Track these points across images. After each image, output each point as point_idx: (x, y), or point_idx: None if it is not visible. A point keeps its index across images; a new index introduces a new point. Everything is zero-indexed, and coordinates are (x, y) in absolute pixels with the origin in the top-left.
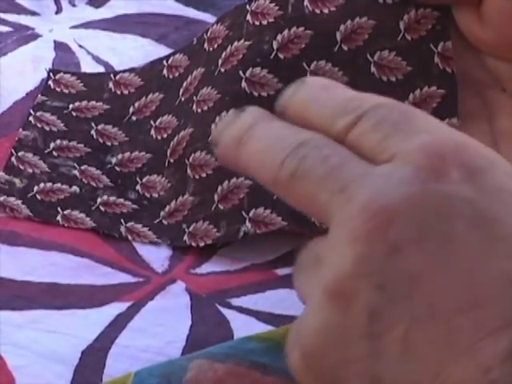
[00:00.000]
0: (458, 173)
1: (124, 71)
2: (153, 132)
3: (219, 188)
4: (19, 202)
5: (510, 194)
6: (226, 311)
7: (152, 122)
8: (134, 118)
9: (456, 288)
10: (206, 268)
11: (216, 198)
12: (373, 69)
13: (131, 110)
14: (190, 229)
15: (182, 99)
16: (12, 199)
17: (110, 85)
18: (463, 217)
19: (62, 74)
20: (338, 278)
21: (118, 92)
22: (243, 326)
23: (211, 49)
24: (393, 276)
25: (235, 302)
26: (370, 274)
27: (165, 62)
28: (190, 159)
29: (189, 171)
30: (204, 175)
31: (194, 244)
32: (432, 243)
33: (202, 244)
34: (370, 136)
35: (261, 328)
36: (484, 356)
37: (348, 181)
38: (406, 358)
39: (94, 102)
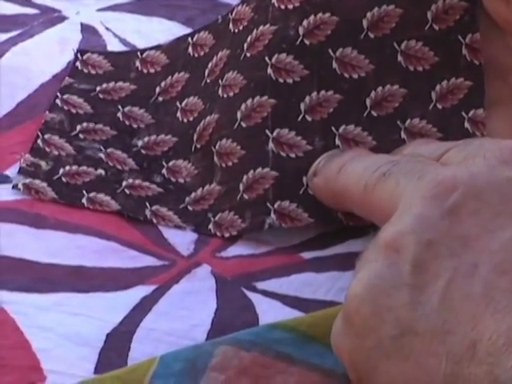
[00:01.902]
0: None
1: (150, 48)
2: (179, 114)
3: (244, 177)
4: (44, 184)
5: None
6: (251, 295)
7: (178, 104)
8: (160, 98)
9: (500, 251)
10: (231, 251)
11: (241, 187)
12: (400, 58)
13: (157, 90)
14: (216, 218)
15: (208, 81)
16: (37, 181)
17: (137, 63)
18: None
19: (89, 54)
20: (393, 232)
21: (145, 71)
22: (268, 310)
23: (236, 30)
24: (443, 235)
25: (260, 285)
26: (422, 230)
27: (190, 39)
28: (217, 146)
29: (216, 159)
30: (230, 164)
31: (219, 234)
32: (486, 213)
33: (226, 234)
34: (454, 155)
35: (286, 312)
36: None
37: (427, 171)
38: (443, 309)
39: (121, 83)
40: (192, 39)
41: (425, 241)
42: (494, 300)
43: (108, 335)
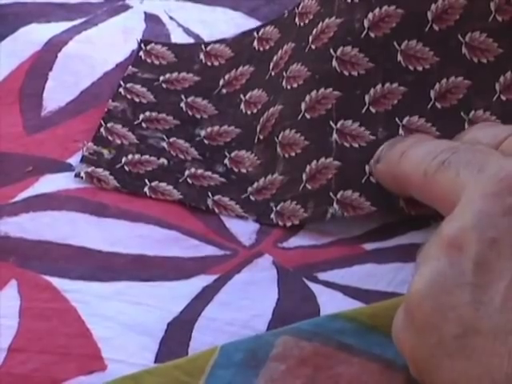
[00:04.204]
0: None
1: (215, 42)
2: (242, 106)
3: (307, 167)
4: (107, 172)
5: None
6: (312, 285)
7: (242, 96)
8: (224, 90)
9: None
10: (293, 242)
11: (304, 177)
12: (464, 50)
13: (221, 82)
14: (278, 208)
15: (272, 74)
16: (100, 170)
17: (201, 56)
18: None
19: (153, 44)
20: (457, 229)
21: (209, 63)
22: (330, 301)
23: (302, 24)
24: (505, 233)
25: (322, 276)
26: (485, 227)
27: (255, 33)
28: (280, 137)
29: (278, 149)
30: (293, 154)
31: (281, 223)
32: None
33: (288, 224)
34: None
35: (347, 303)
36: None
37: (488, 162)
38: (506, 310)
39: (184, 74)
40: (258, 33)
41: (488, 239)
42: None
43: (169, 324)
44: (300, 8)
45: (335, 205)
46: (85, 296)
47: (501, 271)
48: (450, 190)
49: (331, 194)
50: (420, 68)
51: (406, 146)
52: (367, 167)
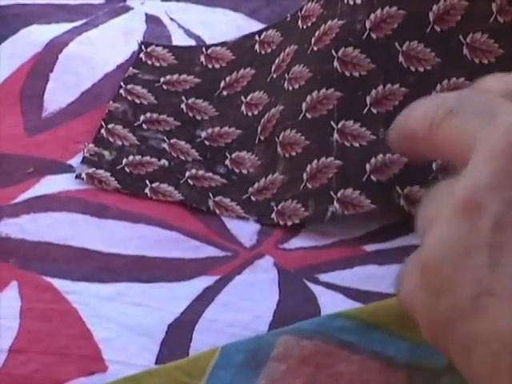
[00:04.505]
0: None
1: (216, 45)
2: (243, 108)
3: (308, 167)
4: (108, 174)
5: None
6: (313, 286)
7: (243, 98)
8: (224, 92)
9: None
10: (294, 243)
11: (305, 176)
12: (465, 51)
13: (222, 84)
14: (279, 207)
15: (274, 76)
16: (101, 171)
17: (202, 58)
18: None
19: (153, 46)
20: (472, 188)
21: (210, 66)
22: (330, 302)
23: (305, 26)
24: None
25: (323, 277)
26: (505, 187)
27: (257, 36)
28: (280, 137)
29: (279, 149)
30: (294, 154)
31: (281, 222)
32: None
33: (289, 223)
34: None
35: (348, 304)
36: None
37: (500, 112)
38: None
39: (185, 76)
40: (259, 37)
41: (507, 200)
42: None
43: (170, 326)
44: (303, 11)
45: (335, 203)
46: (85, 297)
47: None
48: (459, 141)
49: (332, 192)
50: (421, 69)
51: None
52: (368, 166)
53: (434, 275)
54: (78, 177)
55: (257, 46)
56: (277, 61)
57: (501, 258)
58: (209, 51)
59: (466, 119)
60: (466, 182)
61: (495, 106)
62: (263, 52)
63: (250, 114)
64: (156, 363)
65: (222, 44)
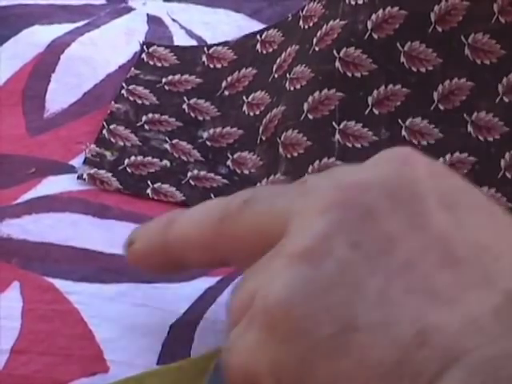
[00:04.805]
0: (423, 168)
1: (217, 44)
2: (245, 108)
3: (310, 168)
4: (109, 174)
5: (469, 193)
6: None
7: (244, 98)
8: (226, 92)
9: (433, 249)
10: None
11: None
12: (467, 51)
13: (224, 84)
14: None
15: (275, 76)
16: (102, 172)
17: (203, 58)
18: (433, 197)
19: (155, 47)
20: (310, 238)
21: (211, 66)
22: None
23: (306, 27)
24: (367, 235)
25: None
26: (343, 233)
27: (258, 36)
28: (282, 138)
29: (281, 150)
30: (296, 154)
31: None
32: (406, 212)
33: None
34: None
35: None
36: (470, 307)
37: (309, 186)
38: (383, 304)
39: (186, 76)
40: (261, 37)
41: (350, 242)
42: (438, 293)
43: (171, 326)
44: (305, 11)
45: None
46: (87, 298)
47: (370, 270)
48: (267, 223)
49: None
50: (423, 69)
51: (173, 215)
52: None
53: (281, 322)
54: (79, 177)
55: (258, 46)
56: (278, 61)
57: (355, 295)
58: (210, 51)
59: (270, 202)
60: (300, 235)
61: (297, 185)
62: (264, 52)
63: (251, 113)
64: (158, 364)
65: (224, 44)
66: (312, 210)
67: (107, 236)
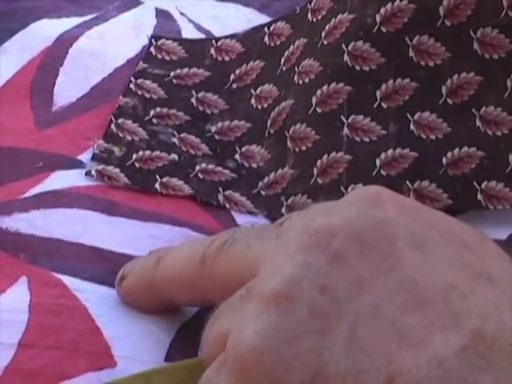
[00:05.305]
0: (393, 207)
1: (225, 37)
2: (253, 101)
3: (318, 162)
4: (117, 170)
5: (439, 228)
6: None
7: (252, 91)
8: (234, 85)
9: (400, 291)
10: None
11: (315, 171)
12: (475, 45)
13: (232, 77)
14: (289, 202)
15: (284, 69)
16: (110, 168)
17: (212, 51)
18: (402, 237)
19: (163, 40)
20: (280, 281)
21: (220, 58)
22: None
23: (315, 20)
24: (335, 279)
25: None
26: (314, 276)
27: (266, 28)
28: (290, 131)
29: (289, 143)
30: (304, 148)
31: None
32: (374, 255)
33: None
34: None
35: None
36: (437, 348)
37: (284, 227)
38: (352, 351)
39: (195, 69)
40: (268, 29)
41: (318, 286)
42: (405, 337)
43: (179, 328)
44: (313, 4)
45: None
46: (95, 297)
47: (338, 315)
48: (241, 265)
49: (342, 188)
50: (432, 64)
51: (161, 253)
52: (378, 161)
53: (253, 370)
54: (87, 174)
55: (266, 38)
56: (286, 53)
57: (324, 341)
58: (219, 43)
59: (247, 243)
60: (270, 280)
61: (274, 228)
62: (272, 44)
63: (259, 106)
64: (166, 360)
65: (232, 36)
66: (282, 253)
67: (116, 234)
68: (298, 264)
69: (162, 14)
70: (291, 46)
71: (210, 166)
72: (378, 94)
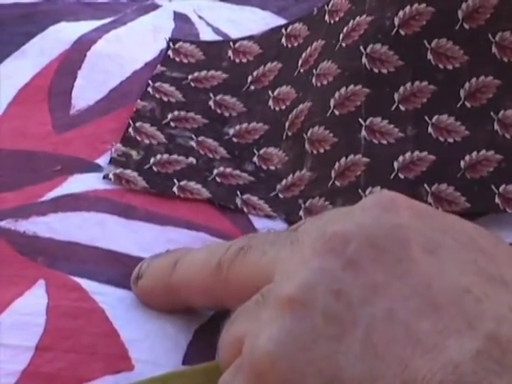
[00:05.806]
0: (407, 212)
1: (243, 39)
2: (271, 103)
3: (336, 164)
4: (135, 173)
5: (453, 232)
6: None
7: (270, 93)
8: (252, 87)
9: (414, 296)
10: None
11: (333, 174)
12: (494, 49)
13: (249, 79)
14: (307, 204)
15: (301, 71)
16: (128, 171)
17: (229, 53)
18: (416, 242)
19: (181, 43)
20: (296, 286)
21: (237, 60)
22: None
23: (332, 21)
24: (350, 284)
25: None
26: (329, 281)
27: (283, 30)
28: (308, 134)
29: (307, 146)
30: (322, 150)
31: None
32: (388, 260)
33: None
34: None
35: None
36: (451, 353)
37: (299, 233)
38: (368, 356)
39: (213, 72)
40: (286, 30)
41: (333, 292)
42: (420, 342)
43: (196, 330)
44: (330, 6)
45: None
46: (112, 300)
47: (353, 320)
48: (257, 271)
49: (360, 190)
50: (450, 67)
51: (178, 255)
52: (396, 163)
53: (269, 374)
54: (105, 177)
55: (283, 40)
56: (304, 55)
57: (340, 346)
58: (236, 45)
59: (263, 250)
60: (286, 285)
61: (289, 234)
62: (290, 46)
63: (277, 108)
64: (183, 364)
65: (249, 38)
66: (297, 259)
67: (133, 237)
68: (313, 269)
69: (179, 18)
70: (308, 48)
71: (228, 170)
72: (396, 96)
